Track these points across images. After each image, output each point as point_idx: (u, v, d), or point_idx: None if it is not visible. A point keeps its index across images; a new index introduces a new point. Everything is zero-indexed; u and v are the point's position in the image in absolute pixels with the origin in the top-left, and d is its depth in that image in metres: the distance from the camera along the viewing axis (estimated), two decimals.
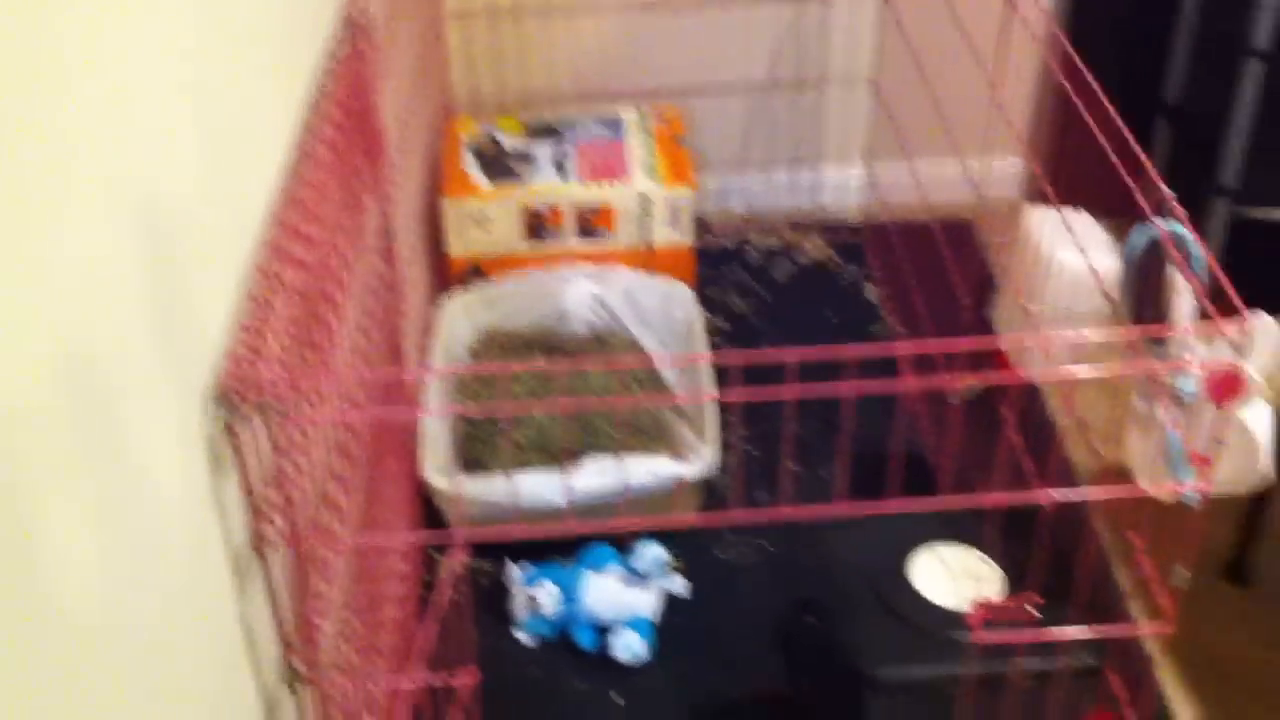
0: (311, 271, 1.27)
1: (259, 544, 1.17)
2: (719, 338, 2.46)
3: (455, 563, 1.20)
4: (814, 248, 2.70)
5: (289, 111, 1.39)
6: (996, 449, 1.81)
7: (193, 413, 1.06)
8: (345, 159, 1.49)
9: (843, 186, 2.77)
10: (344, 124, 1.49)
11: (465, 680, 1.24)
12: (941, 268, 2.10)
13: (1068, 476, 1.91)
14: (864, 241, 2.70)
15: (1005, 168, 2.44)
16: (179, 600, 1.04)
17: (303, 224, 1.26)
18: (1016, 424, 1.68)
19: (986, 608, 1.18)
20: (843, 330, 2.44)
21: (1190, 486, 1.15)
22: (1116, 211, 1.42)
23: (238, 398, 1.08)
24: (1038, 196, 1.65)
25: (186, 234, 1.07)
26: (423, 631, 1.16)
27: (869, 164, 2.66)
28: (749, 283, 2.61)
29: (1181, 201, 1.19)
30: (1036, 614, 1.22)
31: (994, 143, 1.96)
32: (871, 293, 2.56)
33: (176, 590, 1.04)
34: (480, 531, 1.95)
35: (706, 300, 2.54)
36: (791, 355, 1.04)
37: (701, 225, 2.74)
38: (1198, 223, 1.37)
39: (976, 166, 1.98)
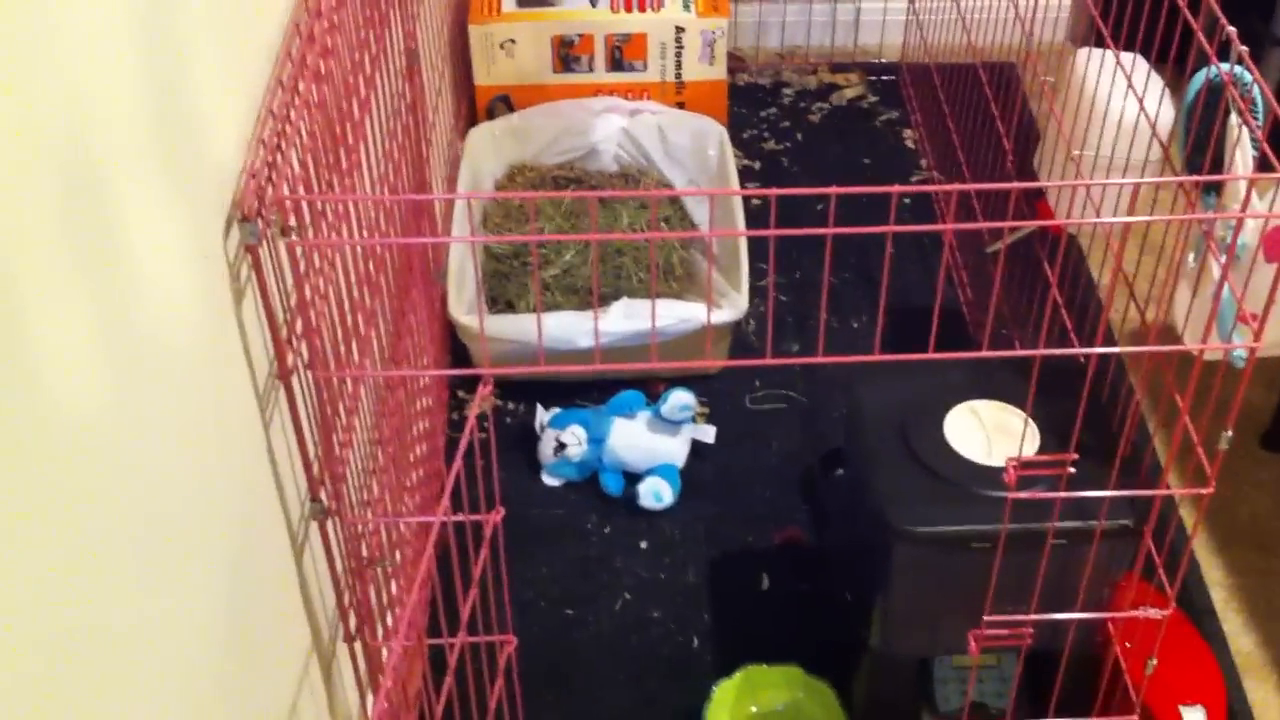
0: (333, 87, 1.21)
1: (283, 371, 1.14)
2: (750, 178, 2.40)
3: (482, 399, 1.17)
4: (852, 88, 2.61)
5: None
6: (1035, 304, 1.77)
7: (211, 232, 1.03)
8: None
9: (884, 24, 2.67)
10: None
11: (492, 518, 1.22)
12: (983, 112, 2.03)
13: (1108, 335, 1.87)
14: (904, 83, 2.61)
15: (1053, 8, 2.34)
16: (202, 426, 1.02)
17: (324, 36, 1.20)
18: (1058, 278, 1.64)
19: (1021, 464, 1.15)
20: (878, 174, 2.38)
21: (1239, 345, 1.11)
22: (1172, 58, 1.35)
23: (256, 217, 1.04)
24: (1088, 39, 1.57)
25: (202, 41, 1.02)
26: (450, 468, 1.14)
27: (912, 0, 2.56)
28: (783, 122, 2.54)
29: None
30: (1072, 472, 1.19)
31: None
32: (909, 136, 2.49)
33: (199, 416, 1.02)
34: (507, 369, 1.93)
35: (739, 139, 2.48)
36: (829, 192, 0.98)
37: (736, 61, 2.66)
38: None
39: (1024, 5, 1.89)
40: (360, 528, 1.30)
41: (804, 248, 2.17)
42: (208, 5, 1.04)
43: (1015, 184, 1.11)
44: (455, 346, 2.02)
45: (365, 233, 1.40)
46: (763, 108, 2.57)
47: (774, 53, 2.70)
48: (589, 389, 1.97)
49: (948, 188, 1.04)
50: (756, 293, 2.13)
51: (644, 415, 1.87)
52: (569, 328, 1.89)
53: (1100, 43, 1.52)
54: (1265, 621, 1.74)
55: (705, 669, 1.63)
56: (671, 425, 1.86)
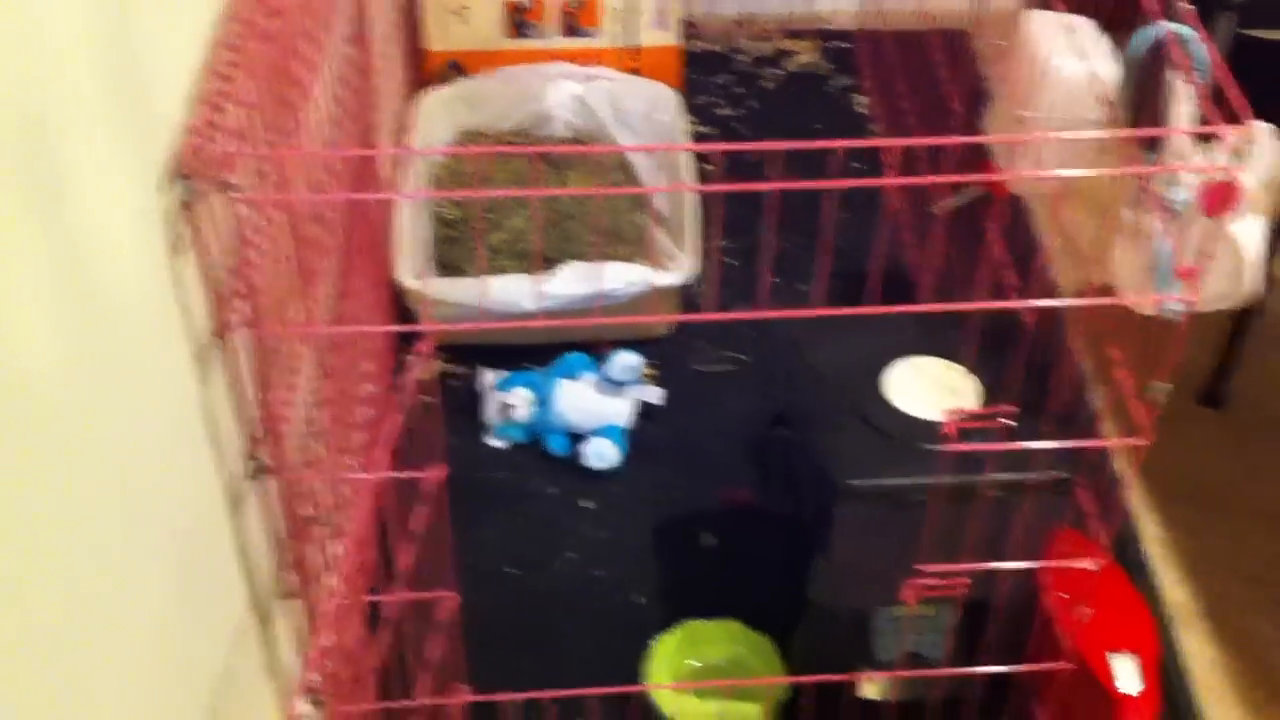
0: (278, 48, 1.21)
1: (221, 329, 1.14)
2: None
3: (423, 359, 1.17)
4: (806, 55, 2.62)
5: None
6: (979, 263, 1.78)
7: (149, 188, 1.02)
8: None
9: None
10: None
11: (433, 475, 1.22)
12: (935, 79, 2.04)
13: (1050, 293, 1.89)
14: (857, 50, 2.62)
15: None
16: (140, 384, 1.02)
17: None
18: (1001, 238, 1.65)
19: (959, 418, 1.16)
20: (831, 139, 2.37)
21: (1176, 298, 1.12)
22: (1121, 22, 1.36)
23: (194, 174, 1.03)
24: (1039, 4, 1.58)
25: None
26: (389, 426, 1.14)
27: None
28: (737, 89, 2.54)
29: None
30: (1010, 424, 1.20)
31: None
32: (862, 103, 2.50)
33: (137, 374, 1.01)
34: (448, 329, 1.92)
35: (692, 106, 2.47)
36: (775, 146, 0.99)
37: (690, 28, 2.66)
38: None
39: None
40: (300, 486, 1.29)
41: (755, 212, 2.16)
42: None
43: (956, 138, 1.11)
44: (405, 313, 2.02)
45: (307, 192, 1.39)
46: (717, 74, 2.57)
47: (729, 19, 2.69)
48: (536, 353, 1.97)
49: (891, 141, 1.04)
50: (708, 257, 2.13)
51: (590, 377, 1.87)
52: (516, 291, 1.89)
53: (1050, 7, 1.52)
54: (1199, 575, 1.77)
55: (650, 626, 1.64)
56: (617, 386, 1.87)
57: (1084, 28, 1.48)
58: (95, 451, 0.93)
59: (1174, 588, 1.76)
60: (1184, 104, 1.17)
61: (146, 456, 1.03)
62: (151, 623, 1.05)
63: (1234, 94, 1.01)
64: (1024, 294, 1.69)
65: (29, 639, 0.82)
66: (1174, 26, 1.15)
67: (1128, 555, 1.74)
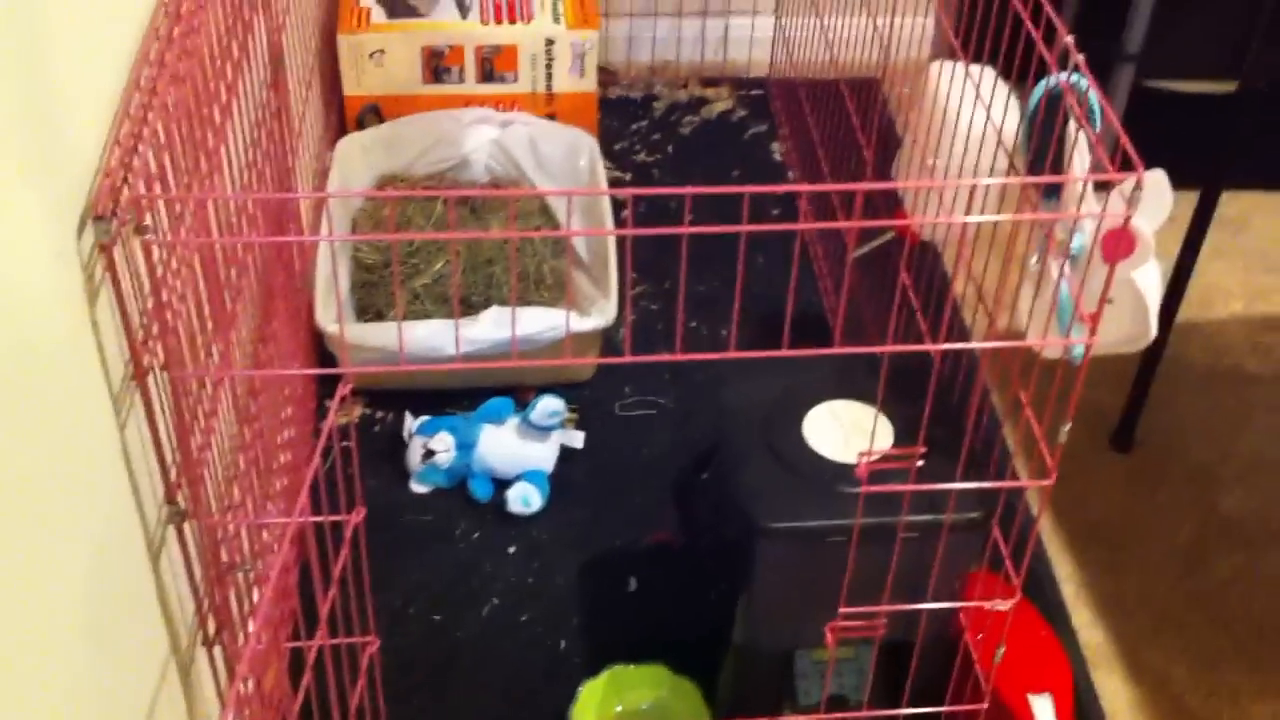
0: (193, 90, 1.21)
1: (138, 372, 1.13)
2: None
3: (343, 404, 1.17)
4: (721, 101, 2.66)
5: None
6: (892, 308, 1.82)
7: (65, 230, 1.02)
8: None
9: (752, 40, 2.72)
10: None
11: (353, 519, 1.22)
12: (847, 125, 2.08)
13: (963, 337, 1.93)
14: (771, 97, 2.67)
15: (916, 26, 2.41)
16: (56, 426, 1.01)
17: (183, 39, 1.20)
18: (914, 284, 1.69)
19: (871, 460, 1.19)
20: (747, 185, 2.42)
21: (1075, 341, 1.16)
22: (1026, 73, 1.40)
23: (110, 216, 1.03)
24: (946, 54, 1.63)
25: (61, 39, 1.02)
26: (309, 470, 1.14)
27: (780, 18, 2.62)
28: (654, 135, 2.57)
29: (1088, 64, 1.18)
30: (919, 465, 1.23)
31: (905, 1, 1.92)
32: (777, 149, 2.54)
33: (52, 415, 1.00)
34: (366, 372, 1.92)
35: (610, 152, 2.50)
36: (690, 191, 1.02)
37: (607, 75, 2.69)
38: (1103, 88, 1.37)
39: (884, 23, 1.95)
40: (219, 531, 1.29)
41: (674, 256, 2.19)
42: (68, 4, 1.04)
43: (865, 185, 1.15)
44: (327, 358, 2.01)
45: (224, 235, 1.39)
46: (634, 120, 2.60)
47: (645, 66, 2.73)
48: (459, 397, 1.98)
49: (802, 187, 1.07)
50: (631, 302, 2.16)
51: (513, 421, 1.88)
52: (437, 335, 1.89)
53: (954, 57, 1.57)
54: (1113, 615, 1.80)
55: (574, 670, 1.64)
56: (541, 431, 1.88)
57: (986, 77, 1.52)
58: (4, 496, 0.93)
59: (1089, 628, 1.79)
60: (1079, 152, 1.21)
61: (61, 500, 1.03)
62: (66, 670, 1.04)
63: (1125, 142, 1.05)
64: (935, 338, 1.73)
65: None
66: (1071, 77, 1.19)
67: (1044, 595, 1.78)
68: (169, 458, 1.21)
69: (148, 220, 1.06)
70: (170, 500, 1.23)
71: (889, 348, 1.12)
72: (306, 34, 2.14)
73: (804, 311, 2.15)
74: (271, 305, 1.69)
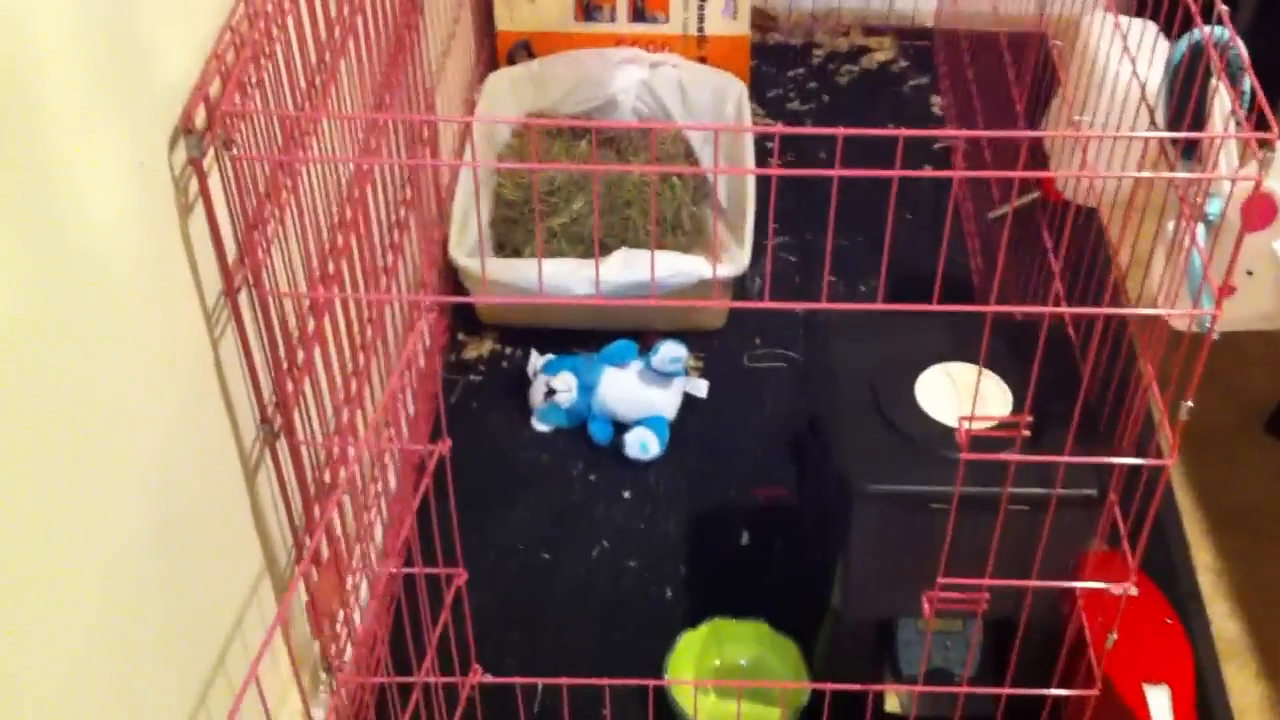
0: (309, 8, 1.20)
1: (229, 290, 1.14)
2: (771, 138, 2.37)
3: (434, 329, 1.16)
4: (883, 51, 2.57)
5: None
6: (1035, 271, 1.74)
7: (157, 145, 1.02)
8: None
9: None
10: None
11: (438, 449, 1.21)
12: (1007, 81, 1.99)
13: (1115, 304, 1.84)
14: (936, 49, 2.57)
15: None
16: (147, 340, 1.03)
17: None
18: (1062, 244, 1.60)
19: (974, 426, 1.13)
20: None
21: (1204, 312, 1.08)
22: (1186, 25, 1.31)
23: (199, 131, 1.03)
24: (1108, 6, 1.53)
25: None
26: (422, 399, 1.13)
27: None
28: (810, 85, 2.51)
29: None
30: (1035, 436, 1.16)
31: None
32: (937, 103, 2.45)
33: (143, 330, 1.02)
34: (496, 307, 1.92)
35: (763, 99, 2.45)
36: (839, 132, 0.96)
37: (767, 20, 2.63)
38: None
39: None
40: (314, 453, 1.30)
41: (814, 209, 2.15)
42: None
43: (995, 133, 1.09)
44: (458, 290, 2.02)
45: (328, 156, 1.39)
46: (791, 68, 2.54)
47: (807, 13, 2.66)
48: (587, 338, 1.96)
49: (952, 133, 1.01)
50: (764, 253, 2.11)
51: (635, 365, 1.86)
52: (566, 275, 1.88)
53: (1130, 9, 1.48)
54: (1251, 608, 1.70)
55: (677, 621, 1.62)
56: (663, 377, 1.85)
57: (1143, 31, 1.43)
58: (94, 409, 0.94)
59: (1224, 619, 1.70)
60: (1219, 111, 1.12)
61: (154, 414, 1.04)
62: (167, 581, 1.06)
63: (1262, 100, 0.97)
64: (1084, 302, 1.64)
65: (28, 590, 0.83)
66: (1213, 30, 1.11)
67: (1178, 582, 1.69)
68: (262, 376, 1.22)
69: (236, 136, 1.06)
70: (265, 420, 1.24)
71: (991, 307, 1.06)
72: None
73: (949, 272, 2.07)
74: (402, 235, 1.70)
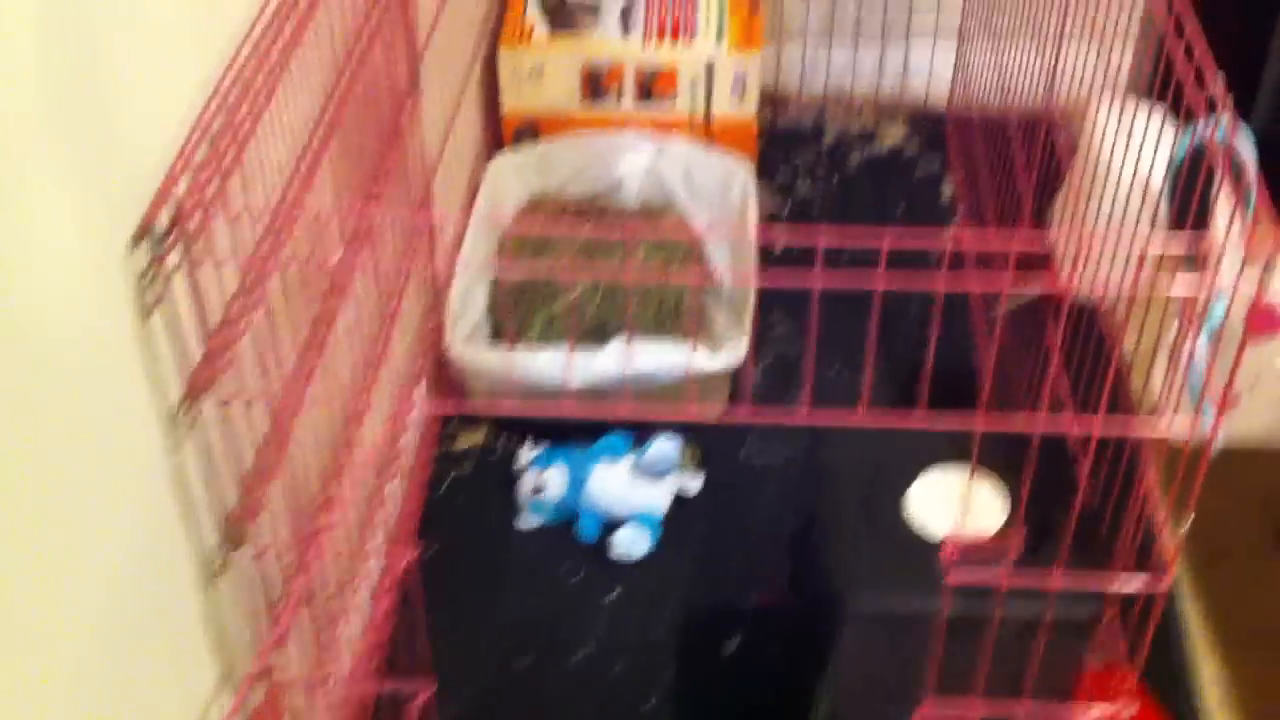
0: (291, 100, 1.17)
1: (190, 396, 1.10)
2: (778, 222, 2.33)
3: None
4: (895, 134, 2.54)
5: None
6: (1037, 367, 1.68)
7: (118, 242, 0.98)
8: None
9: (932, 71, 2.59)
10: None
11: (404, 557, 1.17)
12: (1017, 167, 1.95)
13: (1123, 405, 1.77)
14: (948, 133, 2.53)
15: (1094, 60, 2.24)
16: (104, 453, 0.98)
17: (287, 48, 1.15)
18: (1066, 341, 1.55)
19: (960, 544, 1.07)
20: (909, 231, 2.29)
21: (1203, 424, 1.02)
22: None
23: (167, 228, 0.99)
24: (1139, 90, 1.48)
25: (132, 40, 0.99)
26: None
27: (962, 43, 2.47)
28: (820, 166, 2.47)
29: None
30: (1018, 554, 1.11)
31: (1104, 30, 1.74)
32: (947, 189, 2.41)
33: (98, 437, 0.98)
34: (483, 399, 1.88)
35: (772, 182, 2.41)
36: (820, 240, 0.92)
37: (779, 101, 2.60)
38: None
39: (1071, 56, 1.79)
40: (281, 562, 1.25)
41: (824, 294, 2.09)
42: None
43: (1001, 239, 1.04)
44: (450, 381, 1.98)
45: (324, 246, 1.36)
46: (800, 150, 2.50)
47: (818, 94, 2.63)
48: (581, 430, 1.91)
49: (939, 244, 0.96)
50: (767, 341, 2.06)
51: (627, 460, 1.81)
52: (558, 366, 1.83)
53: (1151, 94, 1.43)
54: None
55: None
56: (655, 473, 1.80)
57: (1149, 118, 1.38)
58: (59, 548, 0.90)
59: None
60: (1223, 214, 1.07)
61: (111, 530, 1.00)
62: (118, 697, 1.01)
63: (1263, 204, 0.92)
64: (1083, 404, 1.58)
65: None
66: (1218, 127, 1.06)
67: (1182, 697, 1.61)
68: (226, 486, 1.17)
69: (206, 236, 1.02)
70: (227, 528, 1.19)
71: (979, 419, 1.01)
72: (470, 42, 2.12)
73: (953, 368, 2.01)
74: (392, 326, 1.66)
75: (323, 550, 1.30)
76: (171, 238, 1.00)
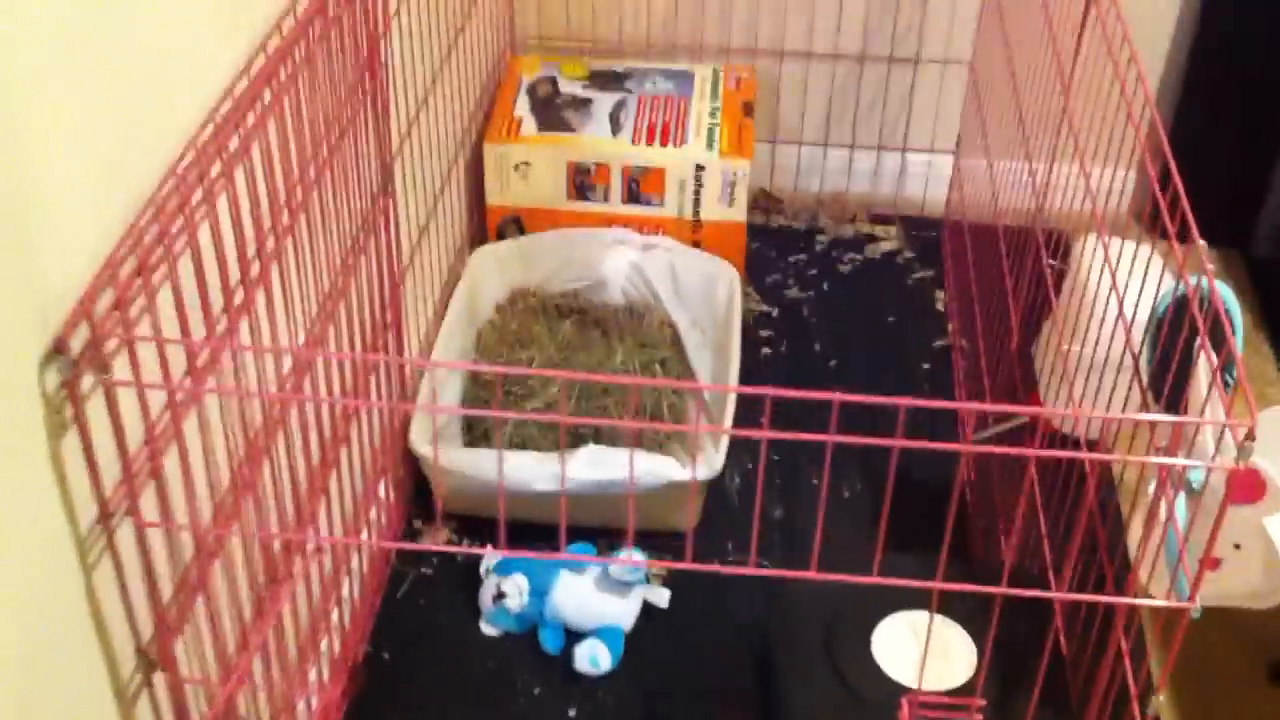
0: (230, 211, 1.12)
1: (105, 520, 1.04)
2: (766, 326, 2.28)
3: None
4: (889, 241, 2.49)
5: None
6: (1019, 496, 1.61)
7: (28, 363, 0.93)
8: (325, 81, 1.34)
9: (929, 176, 2.55)
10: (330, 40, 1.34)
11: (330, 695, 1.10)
12: (1003, 281, 1.89)
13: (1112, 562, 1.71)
14: (945, 240, 2.48)
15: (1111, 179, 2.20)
16: (11, 574, 0.93)
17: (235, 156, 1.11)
18: (1045, 484, 1.49)
19: (916, 703, 1.01)
20: (902, 335, 2.24)
21: (1178, 592, 0.96)
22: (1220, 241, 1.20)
23: (80, 349, 0.94)
24: (1141, 220, 1.43)
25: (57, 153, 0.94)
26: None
27: (960, 157, 2.44)
28: (810, 271, 2.42)
29: None
30: (992, 707, 1.04)
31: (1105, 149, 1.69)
32: (941, 298, 2.36)
33: (5, 564, 0.92)
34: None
35: (762, 285, 2.37)
36: (769, 392, 0.88)
37: (772, 201, 2.56)
38: None
39: (1065, 173, 1.74)
40: (198, 693, 1.19)
41: (800, 404, 2.04)
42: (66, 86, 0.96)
43: (974, 404, 0.98)
44: (421, 479, 1.92)
45: (265, 372, 1.31)
46: (793, 253, 2.46)
47: (813, 196, 2.59)
48: (549, 534, 1.84)
49: (902, 402, 0.90)
50: (745, 449, 2.01)
51: (593, 571, 1.74)
52: (527, 470, 1.77)
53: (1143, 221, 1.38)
54: None
55: None
56: (621, 585, 1.73)
57: (1140, 256, 1.33)
58: None
59: None
60: (1203, 376, 1.01)
61: (15, 657, 0.94)
62: None
63: (1243, 377, 0.86)
64: (1055, 549, 1.52)
65: None
66: (1198, 283, 1.00)
67: None
68: (139, 610, 1.11)
69: (125, 358, 0.97)
70: (141, 652, 1.13)
71: (938, 584, 0.95)
72: (452, 137, 2.08)
73: (938, 496, 1.96)
74: (346, 428, 1.60)
75: (247, 678, 1.24)
76: (84, 359, 0.95)
